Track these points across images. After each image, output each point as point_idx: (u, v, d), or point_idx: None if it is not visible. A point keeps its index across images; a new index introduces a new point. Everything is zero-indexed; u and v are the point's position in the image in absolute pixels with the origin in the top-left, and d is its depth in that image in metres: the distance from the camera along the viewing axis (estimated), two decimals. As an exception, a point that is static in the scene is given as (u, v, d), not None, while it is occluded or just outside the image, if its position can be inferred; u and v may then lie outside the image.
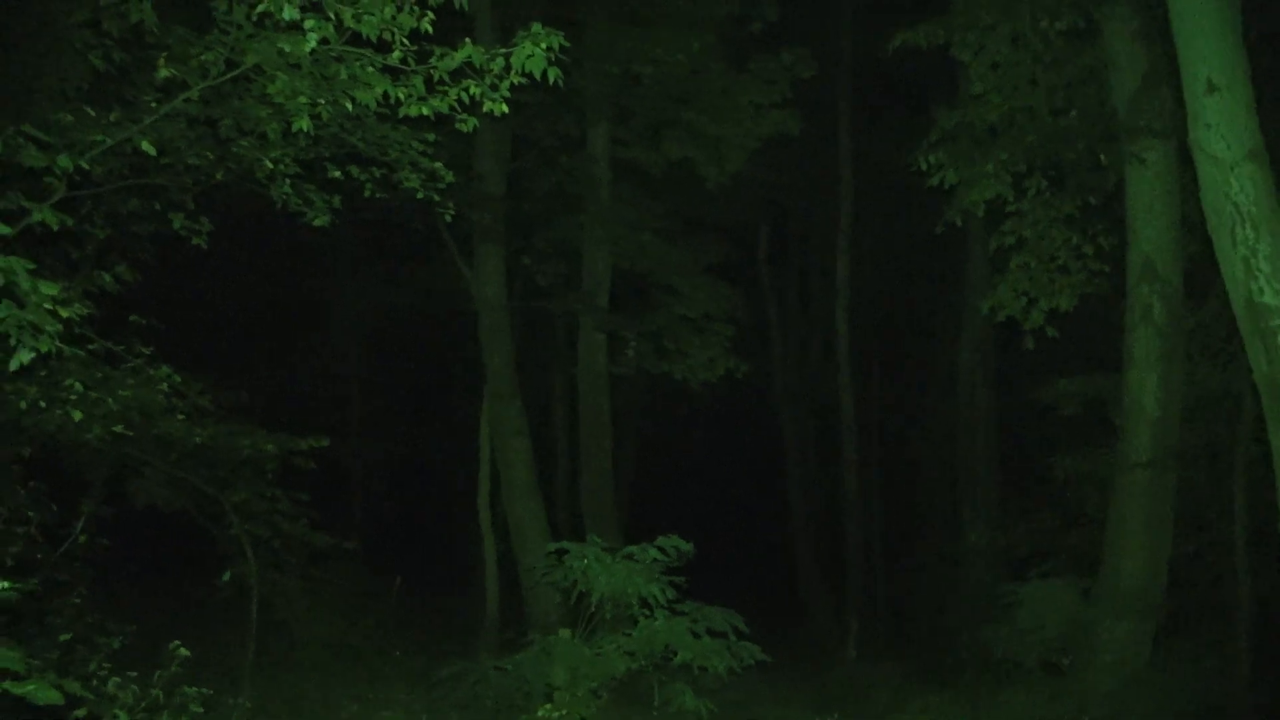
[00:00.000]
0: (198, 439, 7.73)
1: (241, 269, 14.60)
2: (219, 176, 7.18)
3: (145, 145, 6.23)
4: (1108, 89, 8.68)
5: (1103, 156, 8.77)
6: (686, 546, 7.07)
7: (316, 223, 7.01)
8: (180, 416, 7.22)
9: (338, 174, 7.42)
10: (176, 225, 7.16)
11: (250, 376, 13.09)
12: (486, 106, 6.30)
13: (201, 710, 5.75)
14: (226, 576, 8.64)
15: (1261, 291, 5.01)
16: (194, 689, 5.75)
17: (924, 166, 9.13)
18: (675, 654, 6.93)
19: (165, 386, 6.82)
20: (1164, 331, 8.61)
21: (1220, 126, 5.25)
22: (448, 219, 7.82)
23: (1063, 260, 9.42)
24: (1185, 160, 8.82)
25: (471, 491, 12.70)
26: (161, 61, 6.44)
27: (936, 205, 10.51)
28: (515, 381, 11.95)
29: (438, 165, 7.49)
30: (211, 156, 7.02)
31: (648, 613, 7.14)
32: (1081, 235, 9.29)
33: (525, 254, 13.23)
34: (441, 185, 7.63)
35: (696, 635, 7.03)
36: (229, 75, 6.47)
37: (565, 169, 13.86)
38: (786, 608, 20.23)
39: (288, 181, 7.26)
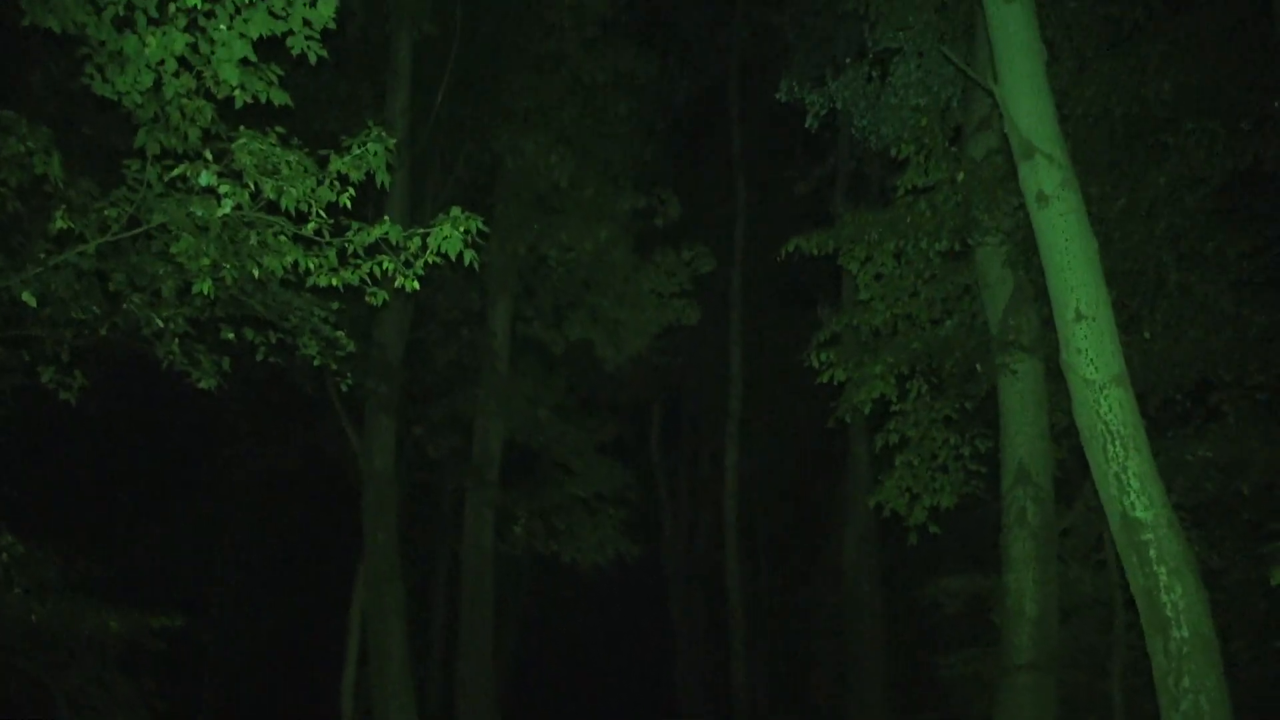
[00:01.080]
0: (34, 617, 6.95)
1: (113, 426, 13.75)
2: (103, 332, 6.86)
3: (26, 296, 5.95)
4: (981, 305, 9.41)
5: (978, 366, 9.36)
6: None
7: (203, 385, 6.71)
8: (17, 590, 6.49)
9: (231, 335, 7.20)
10: (46, 379, 6.72)
11: (108, 543, 12.06)
12: (399, 282, 6.32)
13: None
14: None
15: (1134, 506, 5.31)
16: None
17: (814, 364, 9.54)
18: None
19: (5, 557, 6.17)
20: (1038, 534, 8.95)
21: (1089, 351, 5.71)
22: (344, 388, 7.61)
23: (943, 459, 9.81)
24: (1052, 374, 9.56)
25: (334, 675, 11.75)
26: (60, 214, 6.26)
27: (824, 397, 10.94)
28: (396, 558, 11.39)
29: (339, 334, 7.39)
30: (98, 311, 6.73)
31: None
32: (960, 437, 9.75)
33: (417, 424, 12.97)
34: (341, 353, 7.49)
35: None
36: (131, 233, 6.32)
37: (465, 341, 13.92)
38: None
39: (176, 341, 6.99)
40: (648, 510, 19.77)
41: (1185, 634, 5.08)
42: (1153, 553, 5.22)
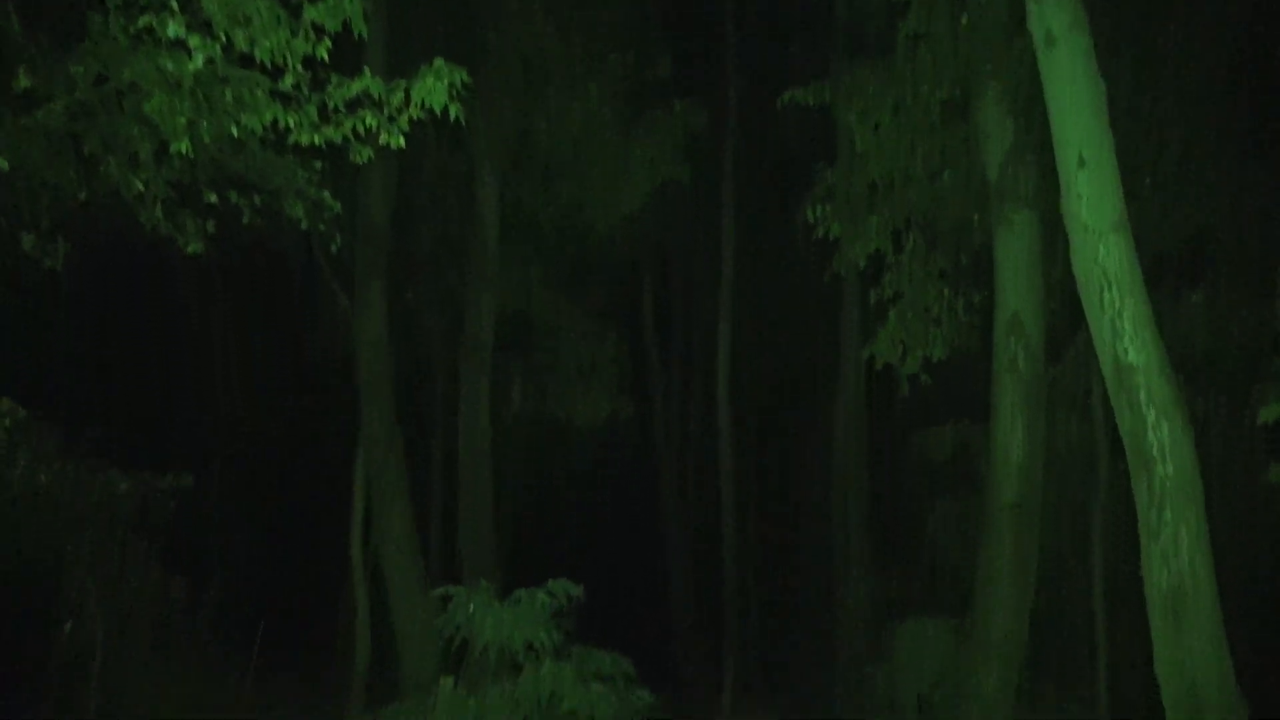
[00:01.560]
0: (42, 477, 7.06)
1: (104, 296, 13.64)
2: (82, 197, 6.69)
3: (-2, 161, 5.77)
4: (979, 157, 9.24)
5: (975, 217, 9.28)
6: (576, 590, 6.91)
7: (190, 250, 6.60)
8: (22, 461, 6.57)
9: (213, 199, 7.03)
10: (27, 246, 6.60)
11: (107, 414, 12.15)
12: (383, 139, 6.15)
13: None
14: (69, 627, 7.87)
15: (1126, 352, 5.38)
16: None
17: (810, 218, 9.46)
18: (561, 701, 6.72)
19: (8, 423, 6.21)
20: (1027, 383, 9.11)
21: (1090, 198, 5.65)
22: (334, 249, 7.51)
23: (936, 313, 9.88)
24: (1047, 225, 9.50)
25: (341, 542, 12.13)
26: (22, 72, 6.01)
27: (818, 257, 10.91)
28: (394, 426, 11.53)
29: (324, 194, 7.24)
30: (75, 176, 6.55)
31: (535, 657, 6.92)
32: (953, 290, 9.79)
33: (408, 292, 12.88)
34: (328, 215, 7.36)
35: (584, 681, 6.85)
36: (100, 91, 6.08)
37: (452, 211, 13.67)
38: (662, 656, 20.12)
39: (158, 205, 6.83)
40: (640, 378, 19.99)
41: (1169, 470, 5.24)
42: (1142, 395, 5.33)
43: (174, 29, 5.66)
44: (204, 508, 16.27)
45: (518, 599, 6.81)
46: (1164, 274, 8.97)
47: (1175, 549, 5.17)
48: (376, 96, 6.12)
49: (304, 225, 7.30)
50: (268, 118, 6.15)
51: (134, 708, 8.61)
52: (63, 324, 13.60)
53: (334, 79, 6.00)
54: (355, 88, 6.07)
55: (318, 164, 6.99)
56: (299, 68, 5.98)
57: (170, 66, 5.87)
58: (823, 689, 13.64)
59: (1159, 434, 5.27)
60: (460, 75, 5.96)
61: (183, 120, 6.11)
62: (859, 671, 9.19)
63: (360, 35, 5.97)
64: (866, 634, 14.27)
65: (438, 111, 6.03)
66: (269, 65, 5.92)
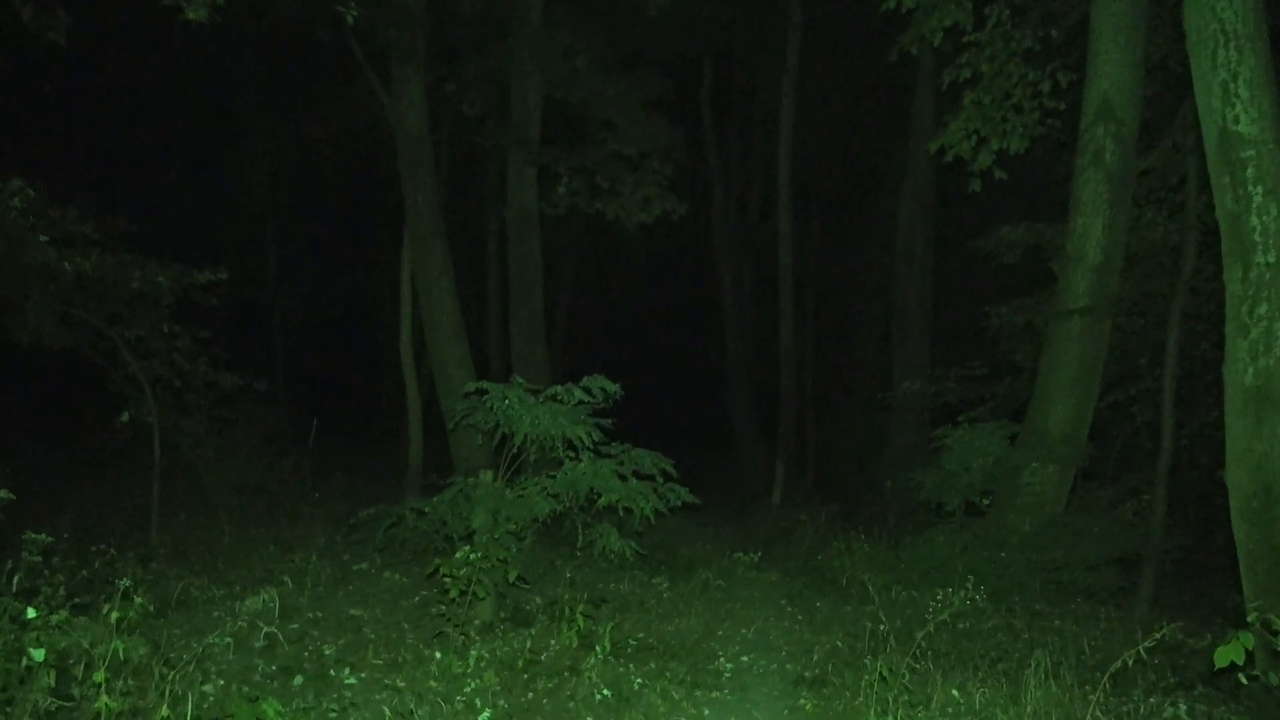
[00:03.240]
0: (79, 267, 6.99)
1: (132, 85, 13.25)
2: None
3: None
4: (1083, -94, 8.00)
5: (1072, -21, 8.16)
6: (613, 388, 6.75)
7: (192, 17, 6.09)
8: (43, 238, 6.44)
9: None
10: (26, 19, 6.17)
11: (147, 207, 12.09)
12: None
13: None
14: (125, 417, 8.11)
15: (1237, 119, 4.65)
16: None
17: (880, -13, 8.43)
18: (600, 496, 6.73)
19: (17, 203, 6.03)
20: (1114, 176, 8.32)
21: (1214, -71, 4.73)
22: (350, 19, 6.90)
23: (1018, 98, 8.95)
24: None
25: (394, 336, 12.16)
26: None
27: (885, 49, 9.87)
28: (439, 218, 11.24)
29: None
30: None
31: (573, 455, 6.89)
32: (1040, 72, 8.79)
33: (449, 81, 12.18)
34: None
35: (623, 478, 6.83)
36: None
37: (494, -10, 12.64)
38: (718, 453, 20.56)
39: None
40: (697, 173, 19.19)
41: (1270, 259, 4.65)
42: (1250, 171, 4.65)
43: None
44: (253, 303, 16.57)
45: (554, 394, 6.67)
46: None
47: (1267, 344, 4.67)
48: None
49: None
50: None
51: (194, 492, 9.03)
52: (83, 109, 13.28)
53: None
54: None
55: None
56: None
57: None
58: (874, 489, 13.76)
59: (1264, 218, 4.64)
60: None
61: None
62: (910, 473, 9.05)
63: None
64: (920, 436, 14.23)
65: None
66: None
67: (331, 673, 5.11)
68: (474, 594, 5.44)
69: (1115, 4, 8.16)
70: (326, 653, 5.42)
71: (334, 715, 4.55)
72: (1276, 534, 4.65)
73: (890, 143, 16.75)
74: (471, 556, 5.45)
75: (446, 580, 5.31)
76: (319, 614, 6.28)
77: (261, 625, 5.59)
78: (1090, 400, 8.54)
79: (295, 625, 5.92)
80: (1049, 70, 8.78)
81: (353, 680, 5.01)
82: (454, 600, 5.34)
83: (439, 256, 11.16)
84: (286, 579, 6.87)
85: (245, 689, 4.63)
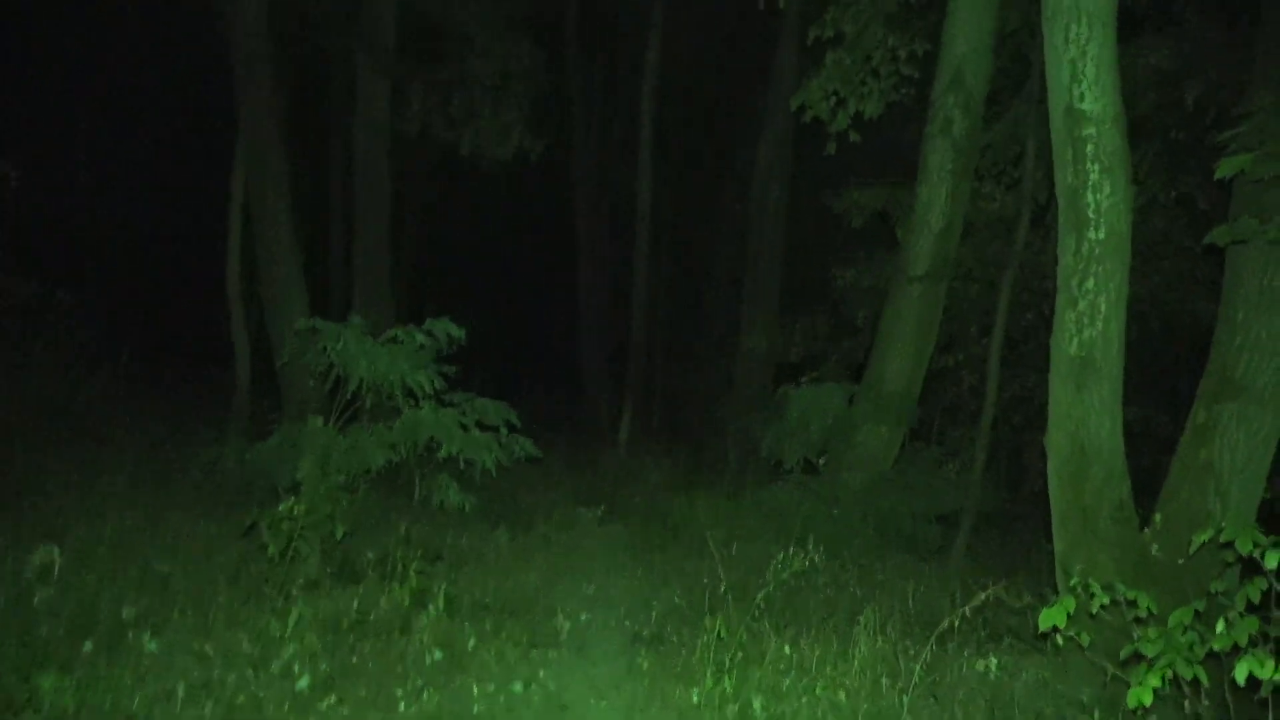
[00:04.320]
0: None
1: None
2: None
3: None
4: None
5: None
6: (458, 332, 6.43)
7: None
8: None
9: None
10: None
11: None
12: None
13: None
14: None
15: (1082, 97, 4.79)
16: None
17: (753, -67, 8.23)
18: (440, 447, 6.45)
19: None
20: (960, 145, 8.59)
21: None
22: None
23: (876, 62, 9.05)
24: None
25: (223, 254, 11.17)
26: None
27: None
28: (276, 125, 10.33)
29: None
30: None
31: (413, 403, 6.55)
32: (899, 37, 8.90)
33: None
34: None
35: (465, 428, 6.56)
36: None
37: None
38: (569, 394, 20.46)
39: None
40: (558, 107, 18.62)
41: (1101, 235, 4.87)
42: (1090, 148, 4.82)
43: None
44: (57, 205, 14.93)
45: (393, 337, 6.29)
46: (1126, 24, 8.21)
47: (1091, 317, 4.92)
48: None
49: None
50: None
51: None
52: None
53: None
54: None
55: None
56: None
57: None
58: (719, 435, 14.02)
59: (1098, 194, 4.83)
60: None
61: None
62: (752, 429, 9.22)
63: None
64: (765, 382, 14.57)
65: None
66: None
67: (130, 636, 4.66)
68: (296, 551, 5.09)
69: (975, -28, 8.32)
70: (125, 614, 4.95)
71: (127, 686, 4.15)
72: (1087, 493, 4.96)
73: (752, 92, 16.78)
74: (295, 510, 5.08)
75: (265, 536, 4.93)
76: (119, 568, 5.74)
77: (41, 585, 5.03)
78: (924, 362, 8.91)
79: (91, 578, 5.37)
80: (908, 36, 8.90)
81: (154, 645, 4.58)
82: (273, 559, 4.96)
83: (275, 168, 10.28)
84: (82, 525, 6.24)
85: (22, 656, 4.15)
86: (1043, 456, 11.19)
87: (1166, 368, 10.63)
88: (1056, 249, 9.09)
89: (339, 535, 5.37)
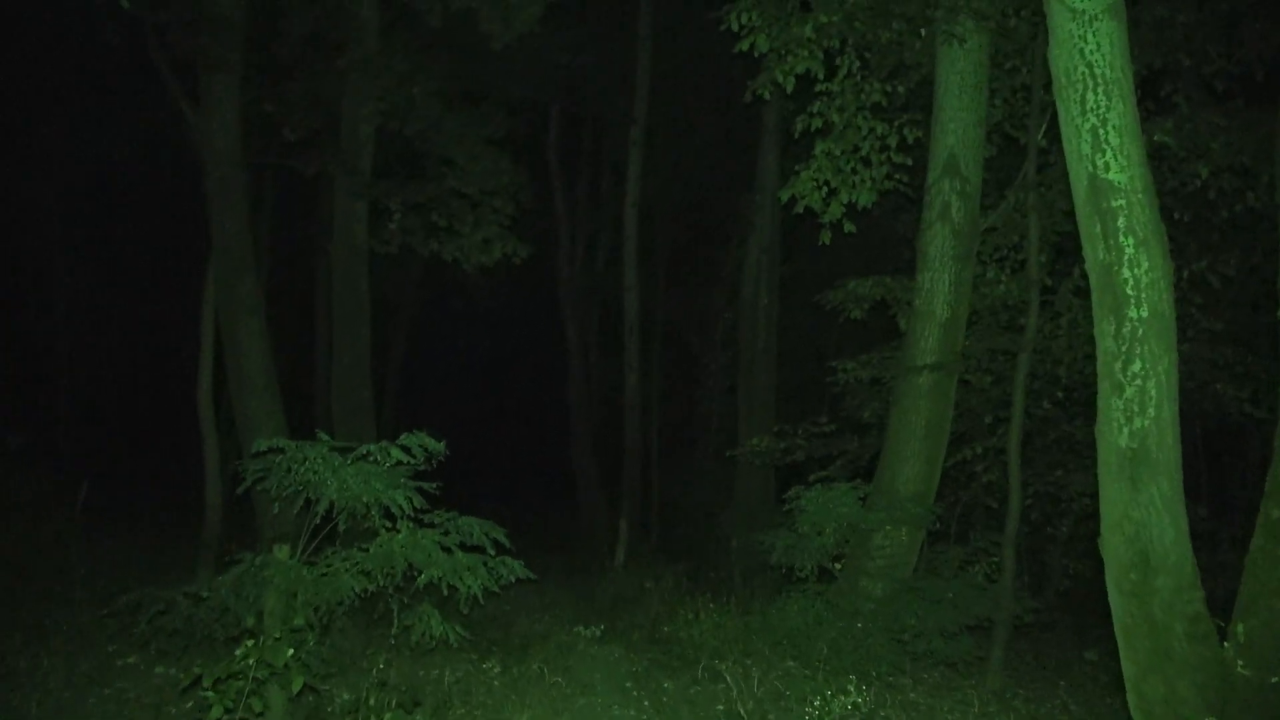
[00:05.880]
0: None
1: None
2: None
3: None
4: (929, -39, 7.99)
5: (921, 32, 8.11)
6: (437, 446, 5.87)
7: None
8: None
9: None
10: None
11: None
12: None
13: None
14: None
15: (1107, 167, 4.43)
16: None
17: (735, 27, 8.12)
18: (420, 573, 5.79)
19: None
20: (960, 231, 8.28)
21: (1082, -27, 4.54)
22: (124, 4, 5.84)
23: (866, 151, 8.83)
24: (997, 50, 8.46)
25: (193, 382, 10.70)
26: None
27: (732, 100, 9.60)
28: (249, 251, 10.04)
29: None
30: None
31: (389, 525, 5.93)
32: (887, 126, 8.72)
33: (268, 101, 11.04)
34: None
35: (448, 550, 5.92)
36: None
37: (327, 9, 11.67)
38: (562, 509, 19.67)
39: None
40: (543, 222, 18.57)
41: (1144, 314, 4.41)
42: (1121, 221, 4.41)
43: None
44: (47, 350, 14.53)
45: (365, 453, 5.72)
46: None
47: (1141, 404, 4.40)
48: None
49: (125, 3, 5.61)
50: None
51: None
52: None
53: None
54: None
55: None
56: None
57: None
58: (721, 547, 13.28)
59: (1135, 270, 4.40)
60: None
61: None
62: (758, 535, 8.56)
63: None
64: (766, 491, 13.92)
65: None
66: None
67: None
68: (249, 708, 4.38)
69: (959, 63, 8.20)
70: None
71: None
72: (1155, 607, 4.34)
73: (736, 195, 16.76)
74: (247, 660, 4.40)
75: (207, 696, 4.23)
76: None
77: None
78: (938, 458, 8.37)
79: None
80: (896, 125, 8.73)
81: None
82: (220, 719, 4.26)
83: (248, 293, 9.94)
84: (20, 683, 5.52)
85: None
86: (1066, 555, 10.49)
87: (1188, 454, 10.11)
88: (1068, 335, 8.92)
89: (296, 688, 4.65)
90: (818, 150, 8.80)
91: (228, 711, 4.25)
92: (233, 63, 9.80)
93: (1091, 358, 9.02)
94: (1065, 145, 4.64)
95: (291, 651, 4.69)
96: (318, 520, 5.76)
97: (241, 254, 9.92)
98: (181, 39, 9.18)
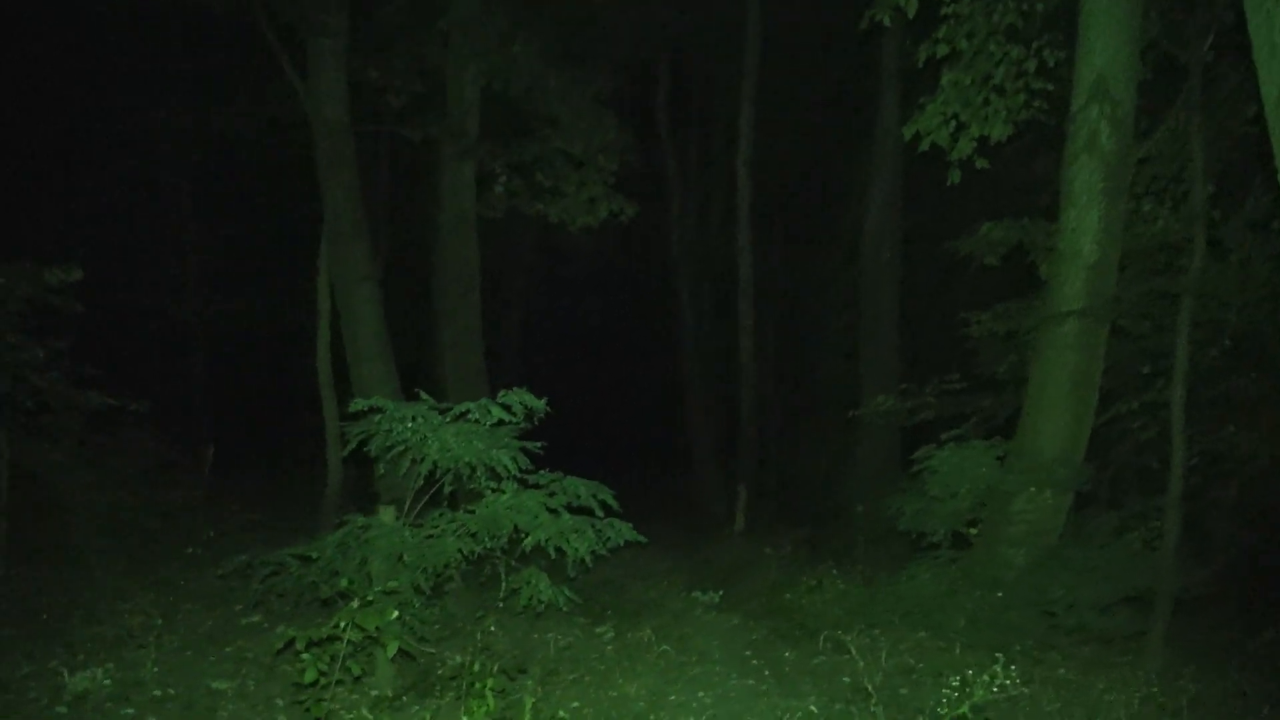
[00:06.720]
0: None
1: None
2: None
3: None
4: None
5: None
6: (538, 403, 5.61)
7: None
8: None
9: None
10: None
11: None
12: None
13: None
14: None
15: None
16: None
17: (850, -51, 7.47)
18: (525, 535, 5.57)
19: None
20: (1110, 162, 7.40)
21: None
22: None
23: (999, 79, 8.03)
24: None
25: (312, 348, 10.87)
26: None
27: (847, 53, 8.89)
28: (360, 216, 10.05)
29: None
30: None
31: (495, 485, 5.74)
32: (1024, 49, 7.89)
33: (373, 67, 11.01)
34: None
35: (554, 512, 5.67)
36: None
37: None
38: (677, 475, 19.43)
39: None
40: (653, 184, 18.17)
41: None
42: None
43: None
44: (181, 323, 15.14)
45: (463, 412, 5.51)
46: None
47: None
48: None
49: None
50: None
51: (59, 532, 7.69)
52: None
53: None
54: None
55: None
56: None
57: None
58: (842, 514, 12.72)
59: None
60: None
61: None
62: (885, 499, 8.01)
63: None
64: (890, 456, 13.23)
65: None
66: None
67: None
68: (348, 670, 4.24)
69: (1111, -30, 7.30)
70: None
71: None
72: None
73: (854, 150, 15.90)
74: (340, 625, 4.24)
75: (303, 659, 4.09)
76: (169, 690, 5.03)
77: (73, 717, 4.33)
78: (1087, 415, 7.57)
79: (130, 710, 4.67)
80: (1034, 48, 7.88)
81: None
82: (312, 684, 4.12)
83: (360, 259, 9.97)
84: (143, 642, 5.62)
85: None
86: (1233, 522, 9.42)
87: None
88: (1239, 275, 7.91)
89: (390, 653, 4.49)
90: (944, 81, 8.07)
91: (323, 674, 4.11)
92: (336, 27, 9.77)
93: (1267, 300, 8.04)
94: (1256, 59, 3.89)
95: (396, 614, 4.52)
96: (421, 482, 5.61)
97: (353, 222, 9.94)
98: (285, 4, 9.18)
